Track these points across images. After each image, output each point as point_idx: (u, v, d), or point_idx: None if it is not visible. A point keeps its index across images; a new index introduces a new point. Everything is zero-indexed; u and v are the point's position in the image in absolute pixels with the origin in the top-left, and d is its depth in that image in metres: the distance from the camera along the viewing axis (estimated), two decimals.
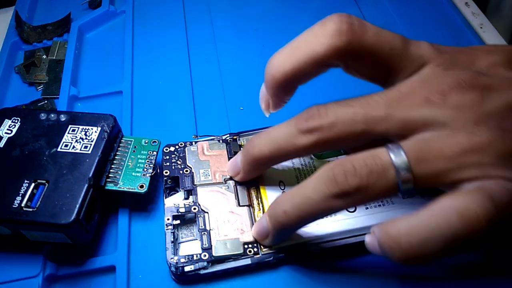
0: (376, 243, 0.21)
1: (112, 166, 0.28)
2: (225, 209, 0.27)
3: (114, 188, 0.28)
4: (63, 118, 0.30)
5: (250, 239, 0.26)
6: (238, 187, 0.29)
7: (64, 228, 0.25)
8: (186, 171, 0.29)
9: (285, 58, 0.24)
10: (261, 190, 0.29)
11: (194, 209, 0.27)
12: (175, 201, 0.28)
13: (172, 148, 0.31)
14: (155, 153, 0.29)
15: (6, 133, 0.29)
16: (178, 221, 0.27)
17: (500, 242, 0.26)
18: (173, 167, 0.30)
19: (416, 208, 0.27)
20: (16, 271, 0.27)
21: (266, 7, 0.43)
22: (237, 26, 0.41)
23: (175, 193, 0.28)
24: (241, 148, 0.31)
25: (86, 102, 0.36)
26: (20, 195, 0.26)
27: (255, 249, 0.26)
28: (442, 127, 0.21)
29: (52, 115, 0.30)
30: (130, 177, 0.28)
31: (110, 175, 0.28)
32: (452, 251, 0.20)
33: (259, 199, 0.28)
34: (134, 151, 0.29)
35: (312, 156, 0.30)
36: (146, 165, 0.29)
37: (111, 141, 0.29)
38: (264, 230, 0.25)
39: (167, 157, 0.30)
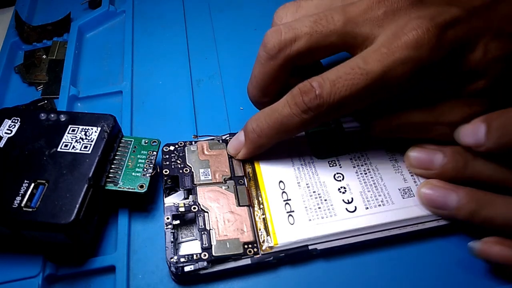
0: None
1: (112, 166, 0.28)
2: (225, 209, 0.27)
3: (114, 188, 0.28)
4: (63, 118, 0.29)
5: (250, 239, 0.26)
6: (238, 187, 0.29)
7: (64, 228, 0.25)
8: (186, 170, 0.29)
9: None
10: (261, 190, 0.29)
11: (194, 208, 0.27)
12: (174, 201, 0.28)
13: (171, 147, 0.31)
14: (155, 153, 0.29)
15: (6, 133, 0.29)
16: (178, 221, 0.27)
17: None
18: (172, 166, 0.30)
19: (415, 207, 0.27)
20: (16, 271, 0.27)
21: (266, 7, 0.43)
22: (237, 26, 0.41)
23: (174, 193, 0.28)
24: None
25: (86, 102, 0.36)
26: (20, 195, 0.26)
27: (255, 249, 0.26)
28: None
29: (52, 115, 0.30)
30: (130, 177, 0.28)
31: (110, 175, 0.28)
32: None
33: (259, 199, 0.28)
34: (134, 151, 0.29)
35: (312, 156, 0.30)
36: (146, 165, 0.29)
37: (111, 141, 0.29)
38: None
39: (167, 156, 0.30)
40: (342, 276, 0.26)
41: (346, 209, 0.27)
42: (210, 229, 0.26)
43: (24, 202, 0.25)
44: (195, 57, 0.39)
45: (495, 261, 0.25)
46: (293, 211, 0.27)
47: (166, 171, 0.29)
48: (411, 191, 0.28)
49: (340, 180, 0.29)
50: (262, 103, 0.29)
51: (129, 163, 0.29)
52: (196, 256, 0.26)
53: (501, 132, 0.24)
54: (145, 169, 0.28)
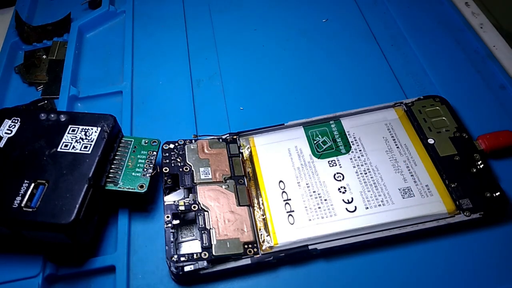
0: None
1: (112, 166, 0.28)
2: (225, 209, 0.27)
3: (114, 188, 0.28)
4: (63, 118, 0.29)
5: (251, 239, 0.26)
6: (238, 186, 0.29)
7: (64, 228, 0.25)
8: (186, 169, 0.29)
9: None
10: (261, 190, 0.29)
11: (194, 207, 0.27)
12: (175, 199, 0.28)
13: (171, 145, 0.31)
14: (155, 153, 0.29)
15: (6, 133, 0.29)
16: (178, 221, 0.27)
17: None
18: (172, 165, 0.30)
19: (415, 207, 0.27)
20: (16, 271, 0.27)
21: (266, 7, 0.43)
22: (237, 26, 0.41)
23: (174, 192, 0.28)
24: (240, 149, 0.31)
25: (86, 102, 0.36)
26: (20, 195, 0.26)
27: (255, 249, 0.26)
28: None
29: (52, 115, 0.30)
30: (130, 177, 0.28)
31: (110, 175, 0.28)
32: None
33: (259, 199, 0.28)
34: (134, 151, 0.29)
35: (312, 156, 0.30)
36: (146, 165, 0.29)
37: (111, 141, 0.29)
38: None
39: (167, 154, 0.30)
40: (342, 276, 0.26)
41: (346, 209, 0.27)
42: (210, 229, 0.26)
43: (24, 202, 0.25)
44: (195, 57, 0.39)
45: None
46: (293, 211, 0.27)
47: (166, 169, 0.29)
48: (411, 191, 0.28)
49: (340, 180, 0.29)
50: None
51: (129, 163, 0.29)
52: (196, 255, 0.26)
53: None
54: (145, 169, 0.28)
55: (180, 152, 0.30)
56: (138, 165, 0.29)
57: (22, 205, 0.25)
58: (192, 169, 0.29)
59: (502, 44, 0.37)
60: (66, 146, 0.28)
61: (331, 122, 0.32)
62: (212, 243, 0.26)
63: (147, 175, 0.28)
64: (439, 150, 0.29)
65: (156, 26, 0.42)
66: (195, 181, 0.29)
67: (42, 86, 0.38)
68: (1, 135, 0.29)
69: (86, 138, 0.28)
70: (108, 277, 0.27)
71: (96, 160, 0.27)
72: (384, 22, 0.40)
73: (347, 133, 0.31)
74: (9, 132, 0.29)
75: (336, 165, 0.29)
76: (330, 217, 0.27)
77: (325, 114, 0.32)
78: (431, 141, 0.30)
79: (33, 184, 0.26)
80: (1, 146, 0.28)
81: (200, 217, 0.27)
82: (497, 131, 0.30)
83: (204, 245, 0.26)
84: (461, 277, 0.26)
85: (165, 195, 0.28)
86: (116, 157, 0.29)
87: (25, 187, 0.26)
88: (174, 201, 0.28)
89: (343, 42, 0.39)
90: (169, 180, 0.29)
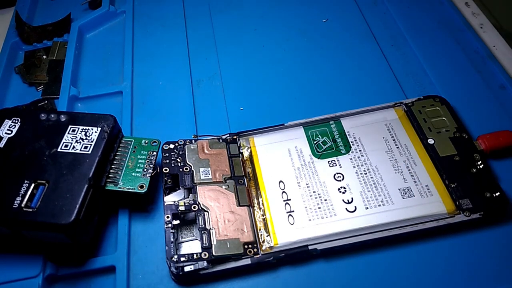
0: None
1: (112, 166, 0.28)
2: (225, 209, 0.27)
3: (114, 188, 0.28)
4: (63, 118, 0.30)
5: (251, 239, 0.26)
6: (238, 186, 0.29)
7: (64, 228, 0.25)
8: (186, 169, 0.29)
9: None
10: (261, 190, 0.29)
11: (194, 207, 0.27)
12: (175, 199, 0.28)
13: (171, 146, 0.31)
14: (155, 153, 0.29)
15: (6, 133, 0.29)
16: (178, 221, 0.27)
17: None
18: (172, 165, 0.30)
19: (415, 207, 0.27)
20: (16, 271, 0.27)
21: (266, 7, 0.43)
22: (237, 26, 0.41)
23: (175, 192, 0.28)
24: (240, 149, 0.31)
25: (86, 103, 0.36)
26: (20, 195, 0.26)
27: (255, 249, 0.26)
28: None
29: (52, 116, 0.30)
30: (130, 177, 0.28)
31: (110, 175, 0.28)
32: None
33: (259, 199, 0.28)
34: (134, 151, 0.29)
35: (312, 156, 0.30)
36: (146, 166, 0.29)
37: (111, 141, 0.29)
38: None
39: (167, 154, 0.30)
40: (342, 276, 0.26)
41: (346, 209, 0.27)
42: (210, 229, 0.26)
43: (24, 202, 0.25)
44: (195, 57, 0.39)
45: None
46: (293, 211, 0.27)
47: (166, 170, 0.29)
48: (411, 191, 0.28)
49: (340, 180, 0.29)
50: None
51: (129, 163, 0.29)
52: (197, 255, 0.26)
53: None
54: (145, 169, 0.28)
55: (180, 152, 0.30)
56: (138, 165, 0.29)
57: (22, 205, 0.25)
58: (192, 169, 0.29)
59: (502, 44, 0.37)
60: (66, 146, 0.28)
61: (331, 122, 0.32)
62: (212, 243, 0.26)
63: (147, 175, 0.28)
64: (439, 150, 0.29)
65: (156, 26, 0.42)
66: (195, 181, 0.29)
67: (42, 86, 0.38)
68: (1, 135, 0.29)
69: (86, 138, 0.28)
70: (108, 277, 0.27)
71: (96, 160, 0.27)
72: (384, 22, 0.40)
73: (347, 133, 0.31)
74: (9, 132, 0.29)
75: (336, 165, 0.29)
76: (330, 217, 0.27)
77: (325, 114, 0.32)
78: (431, 141, 0.30)
79: (33, 184, 0.26)
80: (1, 146, 0.28)
81: (200, 217, 0.27)
82: (497, 131, 0.30)
83: (204, 245, 0.26)
84: (461, 277, 0.26)
85: (165, 195, 0.28)
86: (116, 157, 0.29)
87: (25, 187, 0.26)
88: (174, 201, 0.28)
89: (343, 42, 0.39)
90: (169, 180, 0.29)
